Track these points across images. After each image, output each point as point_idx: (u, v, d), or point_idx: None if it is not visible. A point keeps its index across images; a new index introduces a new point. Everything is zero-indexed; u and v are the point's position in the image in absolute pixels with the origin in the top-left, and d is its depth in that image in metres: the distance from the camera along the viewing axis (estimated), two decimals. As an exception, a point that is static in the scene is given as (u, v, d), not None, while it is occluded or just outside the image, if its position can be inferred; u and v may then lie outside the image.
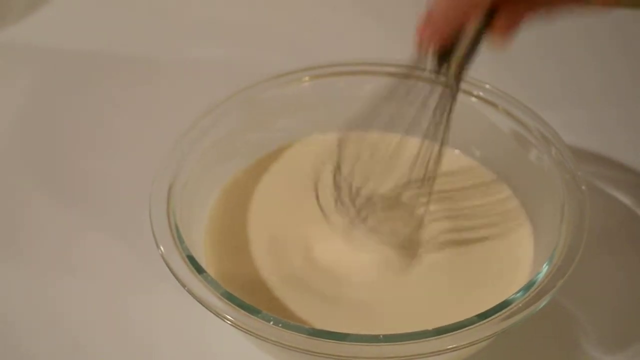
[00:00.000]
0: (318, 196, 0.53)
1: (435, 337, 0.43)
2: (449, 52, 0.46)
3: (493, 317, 0.44)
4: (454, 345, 0.43)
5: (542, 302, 0.45)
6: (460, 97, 0.56)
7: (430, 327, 0.44)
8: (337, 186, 0.52)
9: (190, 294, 0.46)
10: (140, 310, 0.56)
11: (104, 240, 0.60)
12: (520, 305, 0.45)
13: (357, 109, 0.51)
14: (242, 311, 0.45)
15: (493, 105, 0.57)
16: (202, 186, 0.55)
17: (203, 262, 0.49)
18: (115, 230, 0.60)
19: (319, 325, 0.48)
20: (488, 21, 0.45)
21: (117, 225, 0.61)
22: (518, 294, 0.46)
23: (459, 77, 0.47)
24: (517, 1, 0.44)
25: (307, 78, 0.60)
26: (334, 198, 0.53)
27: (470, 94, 0.57)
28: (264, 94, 0.59)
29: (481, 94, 0.57)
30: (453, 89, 0.48)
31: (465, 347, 0.44)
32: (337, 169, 0.52)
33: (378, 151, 0.51)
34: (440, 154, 0.50)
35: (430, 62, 0.47)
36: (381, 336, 0.43)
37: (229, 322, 0.45)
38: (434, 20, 0.44)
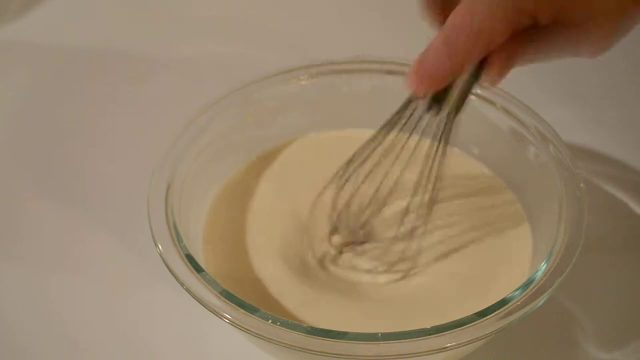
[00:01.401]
0: (320, 196, 0.53)
1: (434, 336, 0.43)
2: (442, 95, 0.47)
3: (491, 315, 0.44)
4: (453, 344, 0.43)
5: (541, 300, 0.45)
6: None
7: (428, 326, 0.44)
8: (335, 203, 0.52)
9: (188, 293, 0.46)
10: (139, 309, 0.56)
11: (102, 239, 0.60)
12: (518, 303, 0.45)
13: (360, 107, 0.51)
14: (241, 310, 0.45)
15: (491, 103, 0.57)
16: (200, 184, 0.55)
17: (201, 261, 0.49)
18: (113, 229, 0.60)
19: (317, 323, 0.48)
20: (480, 67, 0.45)
21: (115, 224, 0.61)
22: (516, 292, 0.46)
23: (452, 117, 0.48)
24: (509, 49, 0.44)
25: (305, 76, 0.60)
26: (334, 211, 0.53)
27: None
28: (262, 92, 0.59)
29: (479, 91, 0.57)
30: (448, 124, 0.48)
31: (463, 345, 0.44)
32: (339, 171, 0.52)
33: (381, 151, 0.51)
34: (439, 178, 0.50)
35: (424, 105, 0.47)
36: (379, 334, 0.43)
37: (227, 320, 0.45)
38: (426, 70, 0.44)
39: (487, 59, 0.45)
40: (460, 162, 0.59)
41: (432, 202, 0.51)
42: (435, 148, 0.49)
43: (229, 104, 0.58)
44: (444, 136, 0.48)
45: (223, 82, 0.59)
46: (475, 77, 0.46)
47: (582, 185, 0.51)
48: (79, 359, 0.53)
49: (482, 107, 0.57)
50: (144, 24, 0.82)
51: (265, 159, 0.60)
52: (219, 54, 0.77)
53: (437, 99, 0.47)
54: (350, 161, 0.51)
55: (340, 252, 0.53)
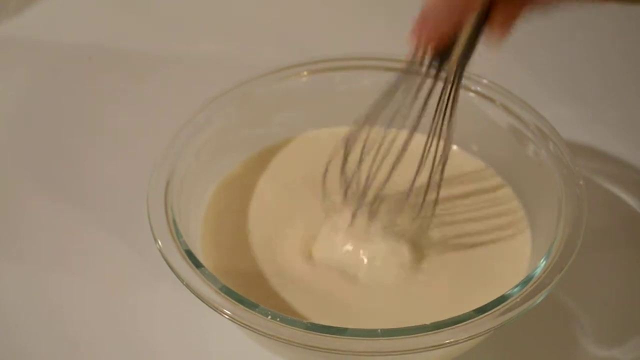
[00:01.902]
0: (324, 188, 0.53)
1: (433, 332, 0.43)
2: (446, 51, 0.46)
3: (490, 311, 0.44)
4: (452, 340, 0.43)
5: (540, 297, 0.45)
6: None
7: (428, 322, 0.44)
8: (342, 183, 0.52)
9: (188, 289, 0.46)
10: (139, 305, 0.56)
11: (102, 237, 0.60)
12: (517, 300, 0.45)
13: (358, 105, 0.51)
14: (240, 305, 0.45)
15: (491, 100, 0.57)
16: (199, 181, 0.55)
17: (201, 257, 0.49)
18: (113, 227, 0.60)
19: (317, 319, 0.48)
20: (484, 18, 0.44)
21: (114, 222, 0.61)
22: (515, 289, 0.46)
23: (458, 75, 0.47)
24: None
25: (304, 73, 0.60)
26: (339, 194, 0.53)
27: (468, 89, 0.57)
28: (261, 89, 0.59)
29: (479, 89, 0.57)
30: (453, 86, 0.47)
31: (462, 342, 0.44)
32: (342, 166, 0.52)
33: (383, 148, 0.51)
34: (446, 152, 0.50)
35: (428, 62, 0.46)
36: (379, 330, 0.43)
37: (226, 316, 0.45)
38: (428, 20, 0.43)
39: (493, 6, 0.44)
40: (460, 159, 0.59)
41: (438, 187, 0.51)
42: (439, 124, 0.48)
43: (228, 102, 0.58)
44: (450, 104, 0.48)
45: (222, 79, 0.59)
46: (479, 27, 0.45)
47: (581, 182, 0.51)
48: (79, 358, 0.53)
49: (481, 105, 0.57)
50: (143, 22, 0.82)
51: (264, 156, 0.60)
52: (217, 52, 0.77)
53: (442, 56, 0.46)
54: (353, 158, 0.51)
55: (340, 249, 0.53)
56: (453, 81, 0.47)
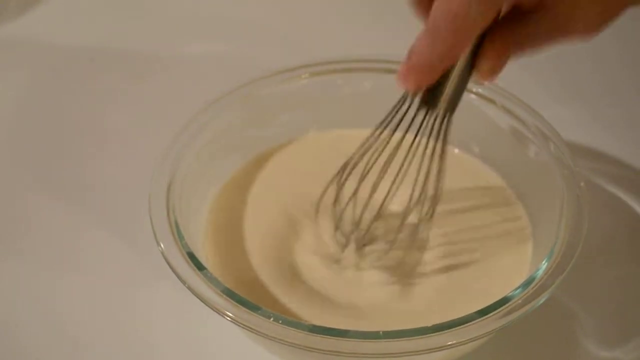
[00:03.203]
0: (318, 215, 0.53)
1: (435, 334, 0.43)
2: (435, 93, 0.46)
3: (492, 313, 0.44)
4: (454, 342, 0.43)
5: (541, 299, 0.45)
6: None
7: (429, 324, 0.44)
8: (336, 200, 0.52)
9: (190, 291, 0.46)
10: (141, 308, 0.56)
11: (103, 238, 0.60)
12: (519, 301, 0.45)
13: (360, 107, 0.51)
14: (243, 308, 0.45)
15: (491, 101, 0.57)
16: (201, 183, 0.55)
17: (203, 259, 0.49)
18: (115, 227, 0.60)
19: (319, 321, 0.48)
20: (473, 62, 0.45)
21: (116, 223, 0.61)
22: (517, 291, 0.46)
23: (449, 114, 0.47)
24: (498, 39, 0.44)
25: (306, 75, 0.60)
26: (335, 211, 0.53)
27: (469, 90, 0.57)
28: (262, 90, 0.59)
29: (480, 90, 0.58)
30: (445, 125, 0.47)
31: (464, 344, 0.44)
32: (338, 173, 0.52)
33: (381, 151, 0.51)
34: (442, 159, 0.50)
35: (418, 103, 0.46)
36: (381, 332, 0.43)
37: (229, 318, 0.45)
38: (413, 63, 0.43)
39: (479, 52, 0.44)
40: (461, 161, 0.59)
41: (435, 201, 0.51)
42: (433, 149, 0.49)
43: (229, 103, 0.58)
44: (442, 136, 0.48)
45: (223, 81, 0.59)
46: (468, 71, 0.45)
47: (582, 184, 0.51)
48: (79, 359, 0.53)
49: (482, 106, 0.57)
50: (144, 23, 0.82)
51: (266, 158, 0.60)
52: (219, 53, 0.77)
53: (431, 97, 0.46)
54: (349, 161, 0.51)
55: (342, 252, 0.53)
56: (443, 119, 0.47)
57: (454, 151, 0.60)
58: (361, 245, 0.53)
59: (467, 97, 0.57)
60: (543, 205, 0.53)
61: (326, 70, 0.60)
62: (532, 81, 0.72)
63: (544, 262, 0.47)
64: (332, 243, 0.54)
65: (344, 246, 0.53)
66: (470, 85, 0.57)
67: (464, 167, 0.59)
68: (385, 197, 0.51)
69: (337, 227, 0.53)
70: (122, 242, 0.59)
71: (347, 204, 0.52)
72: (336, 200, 0.52)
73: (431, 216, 0.51)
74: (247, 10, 0.83)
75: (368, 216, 0.52)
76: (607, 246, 0.58)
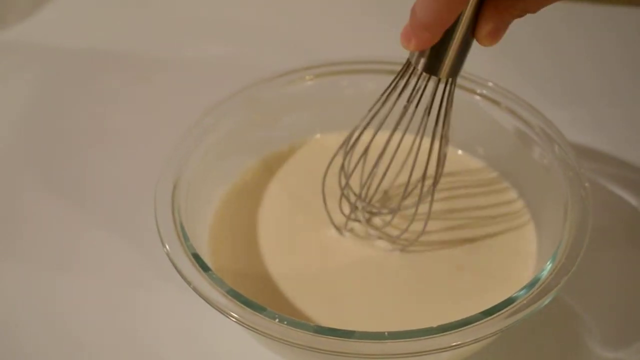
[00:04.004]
0: (324, 195, 0.54)
1: (440, 334, 0.43)
2: (439, 56, 0.46)
3: (497, 314, 0.44)
4: (459, 342, 0.43)
5: (546, 300, 0.45)
6: (464, 95, 0.57)
7: (435, 325, 0.44)
8: (342, 187, 0.53)
9: (195, 292, 0.46)
10: (145, 308, 0.56)
11: (109, 239, 0.60)
12: (524, 302, 0.45)
13: (364, 108, 0.51)
14: (248, 309, 0.45)
15: (496, 103, 0.57)
16: (206, 184, 0.55)
17: (208, 260, 0.49)
18: (120, 228, 0.60)
19: (325, 322, 0.48)
20: (474, 25, 0.44)
21: (122, 224, 0.61)
22: (522, 292, 0.46)
23: (452, 79, 0.47)
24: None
25: (310, 76, 0.60)
26: (339, 198, 0.53)
27: (474, 92, 0.58)
28: (267, 92, 0.59)
29: (484, 92, 0.58)
30: (448, 88, 0.47)
31: (469, 344, 0.44)
32: (342, 168, 0.52)
33: (382, 150, 0.51)
34: (442, 151, 0.50)
35: (421, 64, 0.46)
36: (386, 333, 0.43)
37: (234, 319, 0.45)
38: (417, 19, 0.43)
39: (479, 14, 0.44)
40: (465, 162, 0.59)
41: (440, 169, 0.51)
42: (436, 118, 0.48)
43: (235, 105, 0.58)
44: (445, 103, 0.48)
45: (228, 83, 0.59)
46: (470, 35, 0.44)
47: (587, 185, 0.51)
48: (79, 359, 0.54)
49: (487, 107, 0.57)
50: (150, 26, 0.82)
51: (271, 160, 0.60)
52: (224, 55, 0.77)
53: (434, 63, 0.46)
54: (354, 160, 0.51)
55: (347, 251, 0.53)
56: (446, 85, 0.47)
57: (457, 152, 0.60)
58: (369, 239, 0.53)
59: (472, 99, 0.58)
60: (547, 206, 0.53)
61: (330, 72, 0.60)
62: (536, 83, 0.72)
63: (548, 262, 0.47)
64: (339, 247, 0.54)
65: (351, 244, 0.53)
66: (475, 86, 0.58)
67: (468, 168, 0.59)
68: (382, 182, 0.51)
69: (344, 226, 0.53)
70: (124, 242, 0.59)
71: (354, 200, 0.52)
72: (341, 197, 0.52)
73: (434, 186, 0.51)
74: (250, 12, 0.83)
75: (374, 208, 0.52)
76: (612, 247, 0.58)
